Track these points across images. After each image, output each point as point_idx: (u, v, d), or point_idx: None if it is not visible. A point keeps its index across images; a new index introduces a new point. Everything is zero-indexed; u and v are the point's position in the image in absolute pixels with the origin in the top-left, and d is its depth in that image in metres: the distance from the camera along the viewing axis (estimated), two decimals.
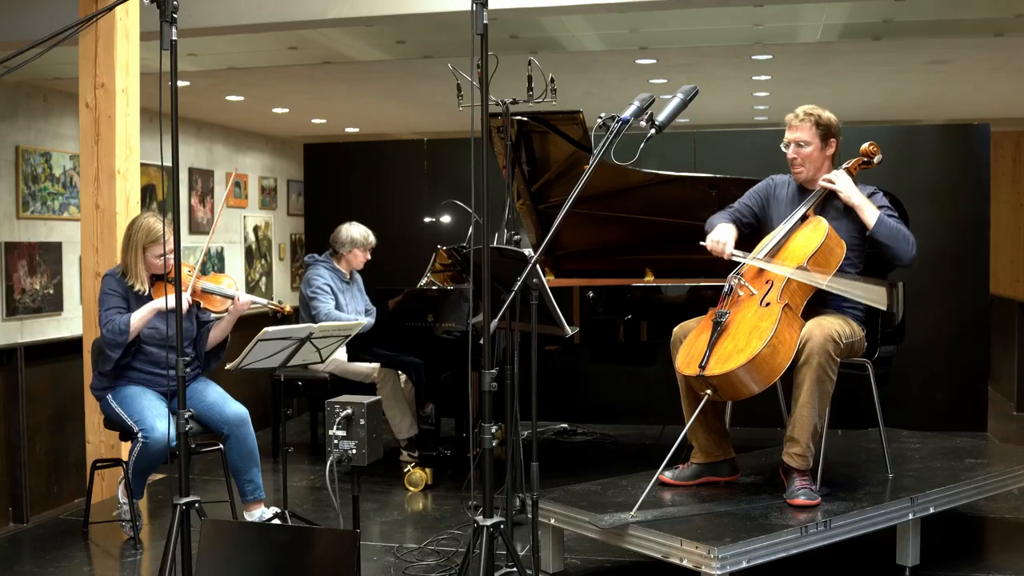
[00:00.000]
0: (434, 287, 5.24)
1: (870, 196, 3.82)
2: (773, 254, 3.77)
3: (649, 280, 5.24)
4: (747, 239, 4.01)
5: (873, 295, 3.74)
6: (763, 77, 8.80)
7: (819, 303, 3.79)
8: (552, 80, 3.86)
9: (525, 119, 4.85)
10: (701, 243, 3.91)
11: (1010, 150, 12.55)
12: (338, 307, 5.59)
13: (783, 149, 3.90)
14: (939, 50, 7.58)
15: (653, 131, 3.32)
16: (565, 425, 6.60)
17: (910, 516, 3.61)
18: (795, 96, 9.68)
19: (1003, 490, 4.10)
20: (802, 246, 3.71)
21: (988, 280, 6.71)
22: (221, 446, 4.26)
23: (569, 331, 3.56)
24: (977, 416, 6.51)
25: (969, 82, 8.99)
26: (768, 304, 3.60)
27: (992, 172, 6.90)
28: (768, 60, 8.03)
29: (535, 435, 3.40)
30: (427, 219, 7.08)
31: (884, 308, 3.84)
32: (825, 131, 3.84)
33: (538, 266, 3.26)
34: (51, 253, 8.60)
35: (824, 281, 3.62)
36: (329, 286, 5.60)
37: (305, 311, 5.59)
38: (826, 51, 7.65)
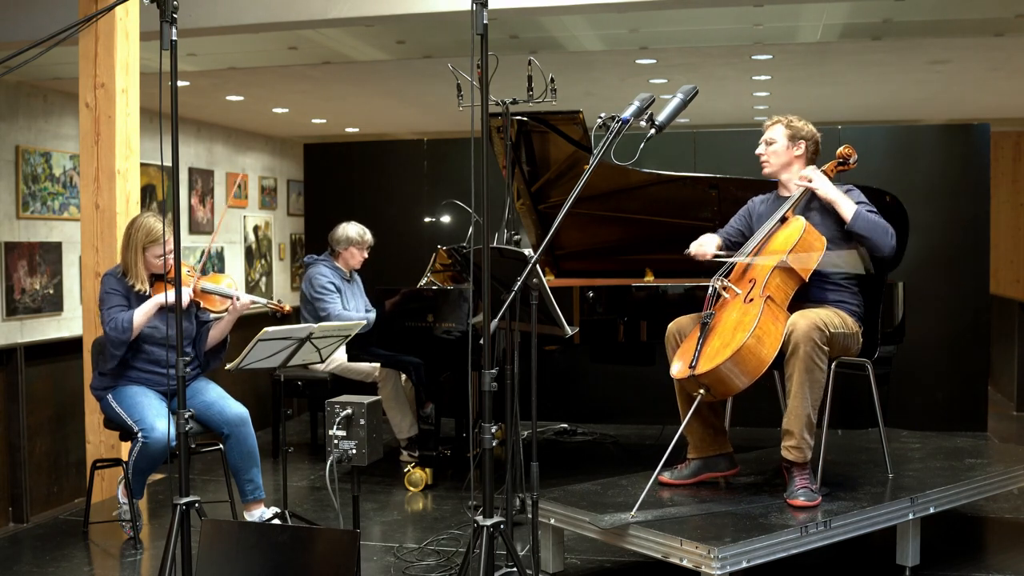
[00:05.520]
0: (433, 287, 5.24)
1: (845, 193, 3.88)
2: (755, 254, 3.82)
3: (649, 280, 5.24)
4: None
5: (850, 261, 3.86)
6: (763, 77, 8.79)
7: (810, 299, 3.82)
8: (552, 80, 3.86)
9: (525, 119, 4.84)
10: (685, 252, 4.00)
11: (1010, 150, 12.54)
12: (343, 305, 5.59)
13: (757, 153, 4.06)
14: (939, 50, 7.58)
15: (653, 131, 3.34)
16: (565, 425, 6.60)
17: (910, 516, 3.61)
18: (795, 96, 9.72)
19: (1003, 490, 4.10)
20: (781, 243, 3.76)
21: (988, 280, 6.71)
22: (221, 446, 4.26)
23: (569, 331, 3.56)
24: (977, 416, 6.51)
25: (969, 82, 8.99)
26: (751, 300, 3.66)
27: (992, 172, 6.90)
28: (768, 60, 8.03)
29: (535, 435, 3.40)
30: (427, 219, 7.08)
31: (863, 271, 3.90)
32: (794, 133, 3.99)
33: (538, 266, 3.27)
34: (51, 253, 8.60)
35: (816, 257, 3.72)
36: (333, 283, 5.59)
37: (308, 310, 5.58)
38: (826, 51, 7.65)
